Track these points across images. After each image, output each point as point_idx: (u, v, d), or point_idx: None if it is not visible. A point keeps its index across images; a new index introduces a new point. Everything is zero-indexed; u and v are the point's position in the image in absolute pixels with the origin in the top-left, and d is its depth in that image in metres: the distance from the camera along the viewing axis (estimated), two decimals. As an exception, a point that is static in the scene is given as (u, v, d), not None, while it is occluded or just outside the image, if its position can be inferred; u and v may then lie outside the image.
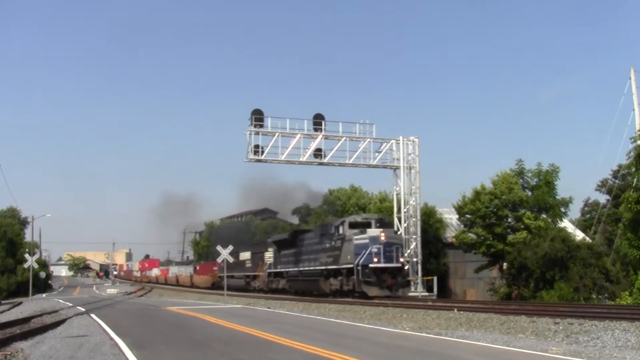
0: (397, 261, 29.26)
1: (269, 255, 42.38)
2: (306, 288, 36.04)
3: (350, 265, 29.35)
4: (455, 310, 20.36)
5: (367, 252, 28.57)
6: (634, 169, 30.04)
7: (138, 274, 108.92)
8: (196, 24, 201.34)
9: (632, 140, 29.92)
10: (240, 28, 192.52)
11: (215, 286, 54.89)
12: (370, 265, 28.45)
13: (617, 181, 43.44)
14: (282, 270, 39.69)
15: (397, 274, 29.30)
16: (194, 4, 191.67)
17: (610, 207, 42.59)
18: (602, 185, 51.13)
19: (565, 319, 15.58)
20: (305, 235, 37.23)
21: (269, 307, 27.93)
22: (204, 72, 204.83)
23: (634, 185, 29.14)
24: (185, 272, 76.06)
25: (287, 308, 27.32)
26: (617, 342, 12.18)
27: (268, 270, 42.20)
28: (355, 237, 29.59)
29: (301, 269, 36.10)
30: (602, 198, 45.39)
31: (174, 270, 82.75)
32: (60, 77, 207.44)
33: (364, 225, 30.80)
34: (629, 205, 27.33)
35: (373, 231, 29.74)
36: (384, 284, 28.71)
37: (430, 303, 24.73)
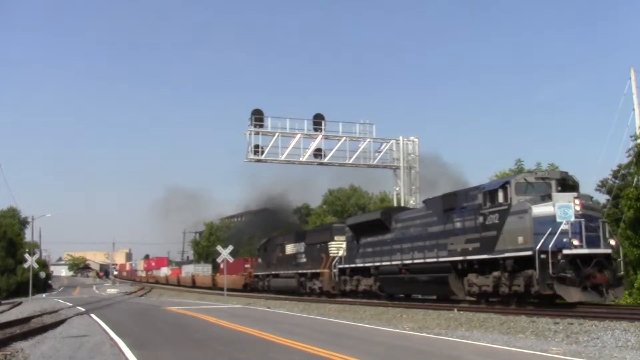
0: (606, 245, 18.88)
1: (337, 246, 32.30)
2: (417, 290, 26.13)
3: (526, 253, 18.47)
4: (455, 310, 20.35)
5: (558, 231, 17.98)
6: (634, 167, 30.04)
7: (143, 274, 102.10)
8: (196, 24, 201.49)
9: (633, 138, 29.93)
10: (241, 28, 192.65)
11: (249, 288, 47.43)
12: (566, 251, 17.83)
13: (617, 181, 43.40)
14: (366, 265, 28.17)
15: (607, 265, 18.41)
16: (194, 4, 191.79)
17: (610, 207, 42.59)
18: (602, 185, 51.07)
19: (565, 319, 15.57)
20: (406, 215, 26.73)
21: (268, 307, 27.93)
22: (204, 72, 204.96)
23: (634, 184, 29.14)
24: (203, 271, 67.75)
25: (287, 308, 27.32)
26: (617, 342, 12.17)
27: (339, 266, 30.96)
28: (535, 206, 18.75)
29: (405, 261, 24.87)
30: (602, 198, 45.32)
31: (188, 270, 73.67)
32: (60, 77, 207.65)
33: (537, 190, 19.92)
34: (629, 202, 27.31)
35: (560, 196, 18.86)
36: (588, 281, 17.89)
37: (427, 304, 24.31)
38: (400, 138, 38.02)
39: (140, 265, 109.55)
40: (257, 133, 36.05)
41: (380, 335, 14.33)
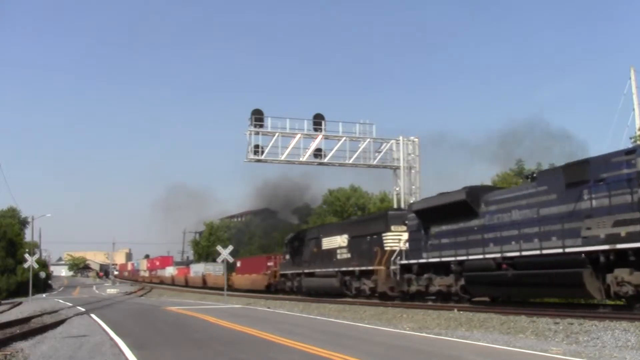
0: None
1: (394, 237, 27.45)
2: (528, 292, 20.18)
3: None
4: (456, 310, 20.35)
5: None
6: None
7: (146, 274, 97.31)
8: (196, 24, 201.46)
9: (633, 140, 29.93)
10: (241, 28, 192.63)
11: (273, 289, 42.48)
12: None
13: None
14: (443, 259, 22.74)
15: None
16: (194, 4, 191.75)
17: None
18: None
19: (565, 319, 15.58)
20: (501, 195, 20.94)
21: (268, 307, 27.94)
22: (204, 72, 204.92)
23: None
24: (215, 270, 60.94)
25: (287, 308, 27.32)
26: (617, 342, 12.17)
27: (401, 262, 25.39)
28: None
29: (507, 253, 19.41)
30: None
31: (197, 269, 67.13)
32: (61, 77, 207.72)
33: None
34: None
35: None
36: None
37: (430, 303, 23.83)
38: (400, 138, 38.01)
39: (143, 265, 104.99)
40: (257, 133, 36.04)
41: (380, 335, 14.33)
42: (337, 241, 32.61)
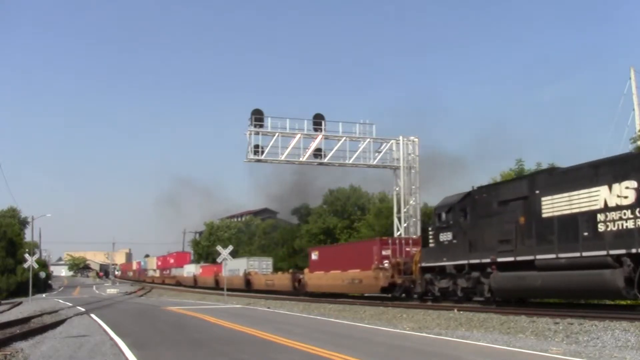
0: None
1: None
2: None
3: None
4: (455, 310, 20.36)
5: None
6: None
7: (156, 274, 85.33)
8: (196, 24, 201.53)
9: (632, 140, 29.95)
10: (240, 28, 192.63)
11: (400, 293, 27.73)
12: None
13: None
14: None
15: None
16: (194, 4, 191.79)
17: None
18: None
19: (565, 319, 15.59)
20: None
21: (268, 307, 27.92)
22: (204, 72, 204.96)
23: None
24: (260, 267, 50.19)
25: (287, 308, 27.31)
26: (617, 342, 12.18)
27: None
28: None
29: None
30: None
31: (236, 266, 50.21)
32: (61, 77, 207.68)
33: None
34: None
35: None
36: None
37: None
38: (400, 138, 38.05)
39: (152, 264, 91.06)
40: (257, 133, 36.08)
41: (380, 335, 14.32)
42: (597, 196, 16.83)
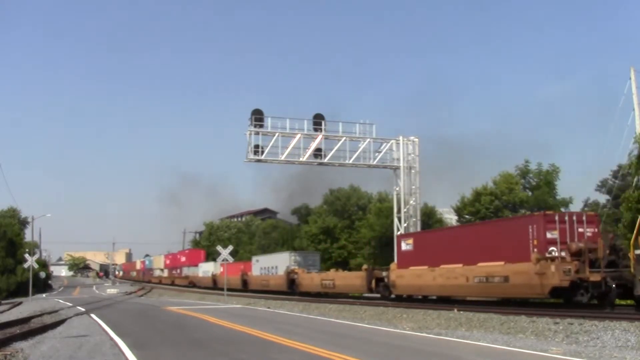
0: None
1: None
2: None
3: None
4: (456, 310, 20.36)
5: None
6: (634, 170, 30.07)
7: (164, 274, 76.35)
8: (196, 24, 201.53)
9: (634, 140, 29.94)
10: (240, 28, 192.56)
11: (611, 303, 18.89)
12: None
13: (617, 181, 43.47)
14: None
15: None
16: (194, 4, 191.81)
17: (610, 207, 42.65)
18: (602, 185, 51.12)
19: (565, 319, 15.59)
20: None
21: (269, 307, 27.91)
22: (204, 72, 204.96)
23: (634, 185, 29.15)
24: (307, 264, 39.79)
25: (287, 308, 27.30)
26: (617, 342, 12.18)
27: None
28: None
29: None
30: (602, 198, 45.37)
31: (273, 262, 42.29)
32: (60, 77, 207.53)
33: None
34: (630, 205, 27.32)
35: None
36: None
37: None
38: (400, 138, 38.02)
39: (159, 262, 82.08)
40: (257, 133, 36.04)
41: (380, 335, 14.32)
42: None
